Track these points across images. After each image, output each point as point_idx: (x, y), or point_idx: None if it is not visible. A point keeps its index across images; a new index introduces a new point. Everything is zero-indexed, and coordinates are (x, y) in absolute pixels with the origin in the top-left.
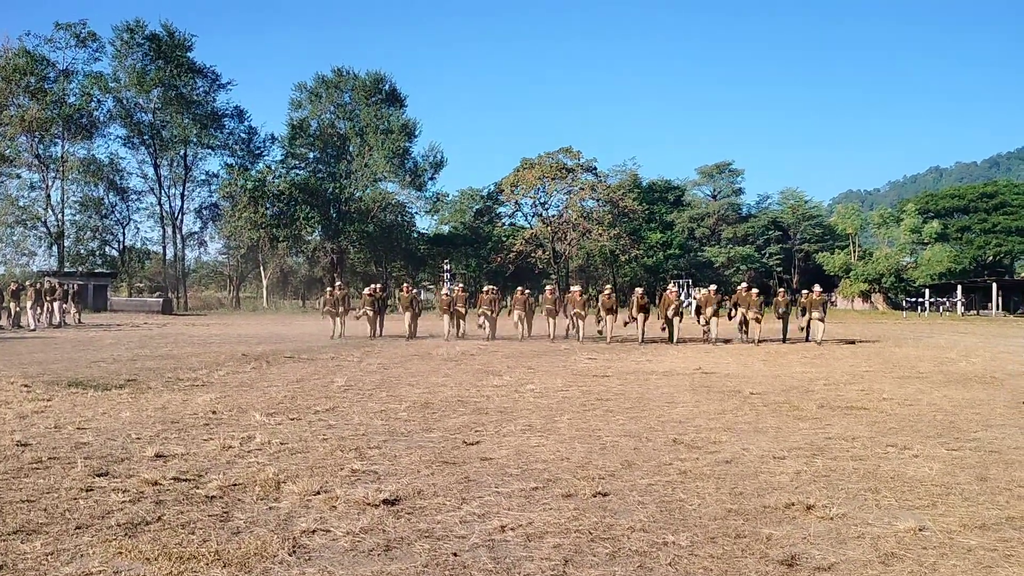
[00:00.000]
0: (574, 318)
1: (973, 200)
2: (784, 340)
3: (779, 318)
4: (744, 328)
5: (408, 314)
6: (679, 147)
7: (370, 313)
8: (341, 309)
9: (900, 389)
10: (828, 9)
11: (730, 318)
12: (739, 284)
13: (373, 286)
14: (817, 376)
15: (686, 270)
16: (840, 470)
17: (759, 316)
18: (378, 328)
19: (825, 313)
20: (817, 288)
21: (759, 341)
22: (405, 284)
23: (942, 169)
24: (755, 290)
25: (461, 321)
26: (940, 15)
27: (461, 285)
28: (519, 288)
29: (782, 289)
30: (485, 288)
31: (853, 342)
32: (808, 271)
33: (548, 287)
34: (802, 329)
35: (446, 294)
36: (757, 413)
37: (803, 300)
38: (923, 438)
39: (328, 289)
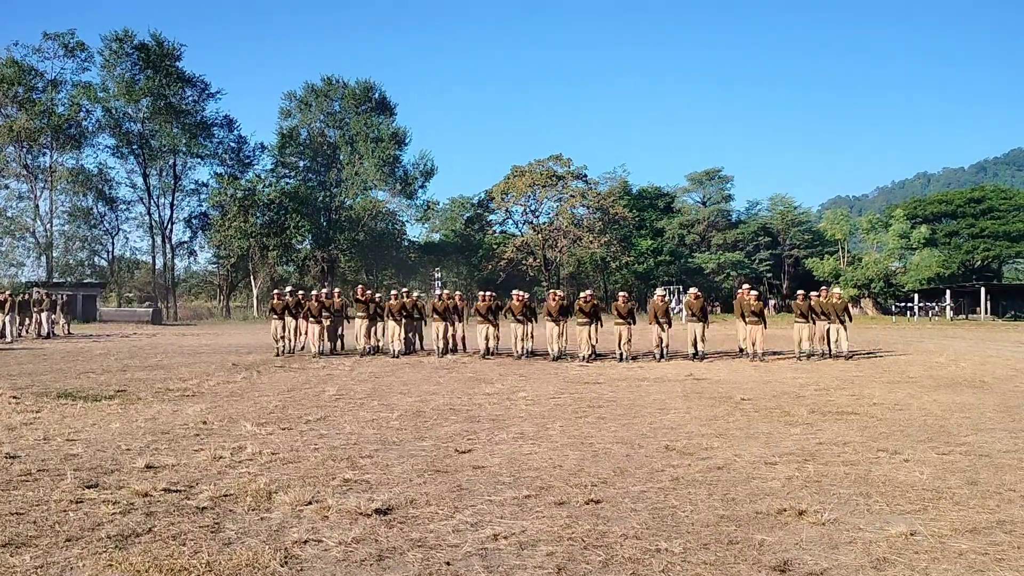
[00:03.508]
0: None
1: (961, 205)
2: (800, 357)
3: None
4: (750, 343)
5: (361, 323)
6: (669, 154)
7: (316, 323)
8: (289, 320)
9: (890, 394)
10: (816, 14)
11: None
12: (738, 289)
13: (330, 290)
14: (808, 381)
15: (676, 276)
16: (832, 475)
17: (758, 322)
18: (327, 342)
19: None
20: (836, 290)
21: (762, 355)
22: (360, 287)
23: (930, 175)
24: (754, 292)
25: (415, 334)
26: (928, 19)
27: (408, 290)
28: (481, 293)
29: (801, 292)
30: (439, 294)
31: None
32: (798, 276)
33: (515, 293)
34: (820, 340)
35: (394, 297)
36: (748, 419)
37: (815, 303)
38: (914, 443)
39: (275, 292)
